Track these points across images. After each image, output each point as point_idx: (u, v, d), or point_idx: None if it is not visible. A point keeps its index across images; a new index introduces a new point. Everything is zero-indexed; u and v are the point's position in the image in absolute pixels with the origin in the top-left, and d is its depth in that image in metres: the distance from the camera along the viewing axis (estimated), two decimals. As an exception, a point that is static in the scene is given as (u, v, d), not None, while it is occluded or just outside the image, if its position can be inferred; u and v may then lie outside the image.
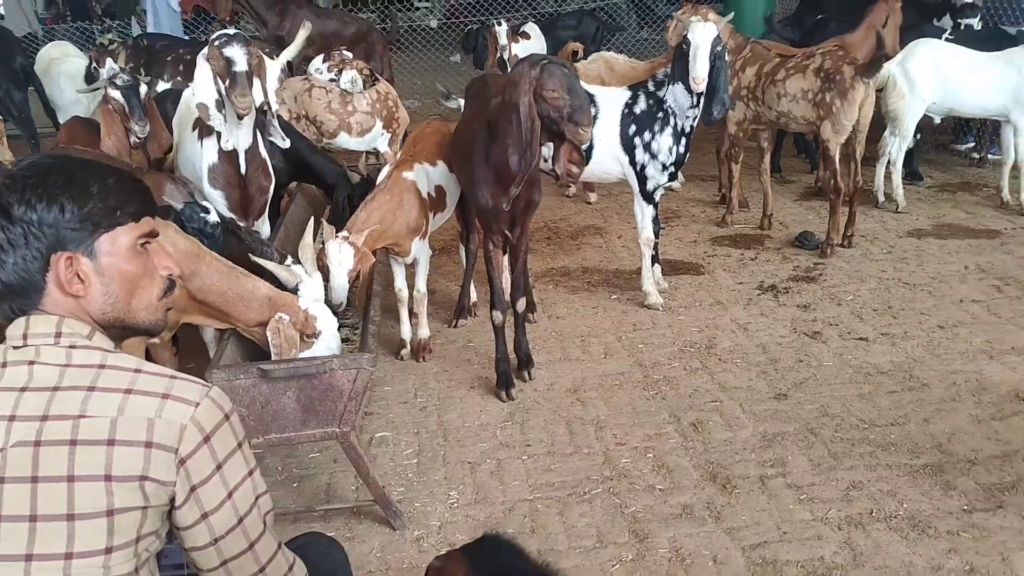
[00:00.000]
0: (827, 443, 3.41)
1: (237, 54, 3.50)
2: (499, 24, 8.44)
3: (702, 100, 4.32)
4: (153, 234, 1.47)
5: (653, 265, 4.80)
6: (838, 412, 3.62)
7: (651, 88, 4.46)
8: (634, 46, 13.19)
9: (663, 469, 3.30)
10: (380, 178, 4.14)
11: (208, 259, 2.92)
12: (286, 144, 4.12)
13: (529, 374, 4.04)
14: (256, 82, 3.62)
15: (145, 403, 1.33)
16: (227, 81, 3.52)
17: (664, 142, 4.42)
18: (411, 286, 4.29)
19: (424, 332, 4.34)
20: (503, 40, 8.18)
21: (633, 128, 4.43)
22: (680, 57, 4.28)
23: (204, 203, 3.42)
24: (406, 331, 4.33)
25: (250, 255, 3.18)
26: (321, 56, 6.45)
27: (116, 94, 4.21)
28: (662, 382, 3.95)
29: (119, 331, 1.46)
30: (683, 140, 4.46)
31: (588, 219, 6.31)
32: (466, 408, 3.85)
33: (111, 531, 1.29)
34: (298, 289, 3.10)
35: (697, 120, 4.45)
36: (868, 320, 4.45)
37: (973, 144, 7.31)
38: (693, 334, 4.42)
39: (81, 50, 7.96)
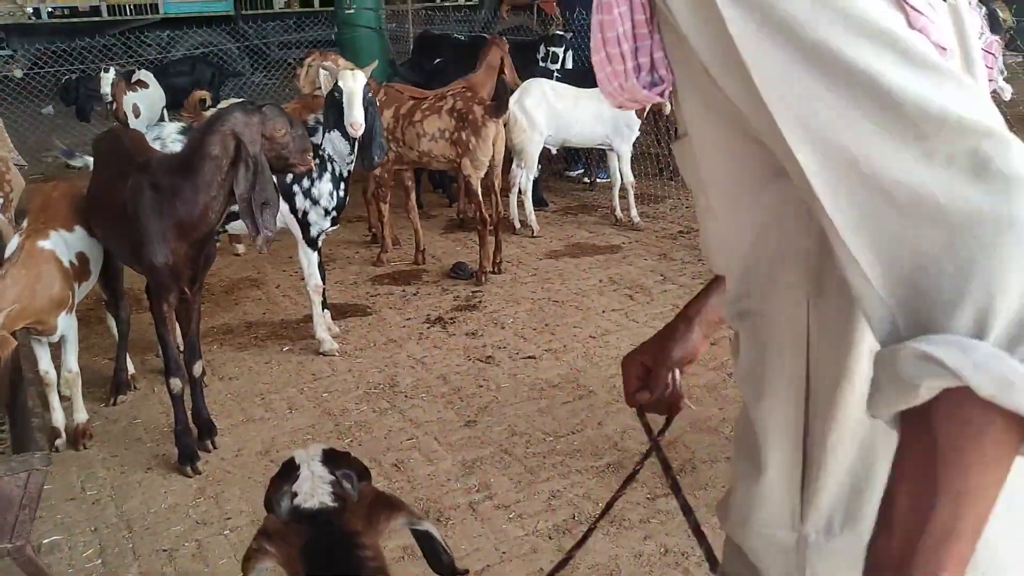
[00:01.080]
0: (522, 460, 3.61)
1: None
2: (106, 71, 7.83)
3: (357, 146, 4.38)
4: None
5: (323, 311, 4.74)
6: (525, 429, 3.85)
7: (301, 135, 4.42)
8: (250, 91, 12.96)
9: (376, 515, 3.27)
10: (9, 250, 3.63)
11: None
12: None
13: (213, 443, 3.78)
14: None
15: None
16: None
17: (324, 188, 4.42)
18: (58, 367, 3.82)
19: (81, 416, 3.88)
20: (105, 88, 7.57)
21: (291, 176, 4.35)
22: (332, 104, 4.30)
23: None
24: (59, 418, 3.83)
25: None
26: None
27: None
28: (355, 428, 3.92)
29: None
30: (342, 184, 4.48)
31: (241, 271, 6.06)
32: (148, 492, 3.50)
33: None
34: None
35: (354, 165, 4.50)
36: (531, 339, 4.79)
37: (583, 171, 8.19)
38: (374, 375, 4.43)
39: None
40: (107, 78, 7.68)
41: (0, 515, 2.46)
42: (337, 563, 1.35)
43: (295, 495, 1.39)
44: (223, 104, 6.39)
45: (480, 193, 5.59)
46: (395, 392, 4.25)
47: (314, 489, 1.39)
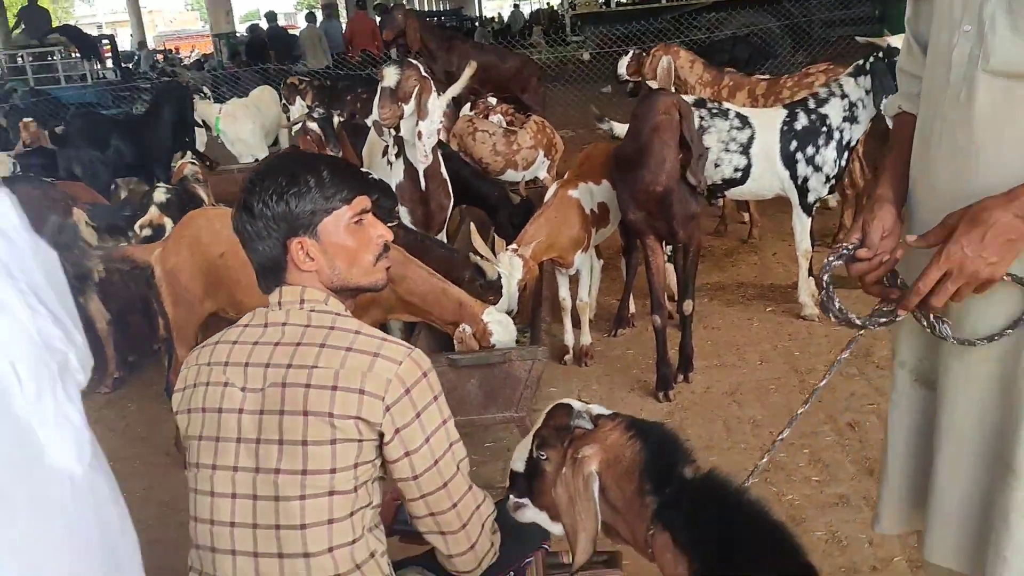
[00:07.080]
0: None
1: (387, 72, 3.93)
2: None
3: None
4: (365, 210, 1.77)
5: (808, 276, 4.92)
6: (999, 416, 3.65)
7: (812, 105, 4.64)
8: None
9: (819, 463, 3.45)
10: (548, 196, 4.49)
11: (412, 267, 3.31)
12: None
13: (687, 377, 4.26)
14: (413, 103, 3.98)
15: (360, 359, 1.63)
16: None
17: (829, 155, 4.60)
18: (574, 296, 4.61)
19: (586, 339, 4.63)
20: (620, 69, 8.19)
21: (794, 144, 4.62)
22: (878, 71, 4.45)
23: None
24: (569, 338, 4.63)
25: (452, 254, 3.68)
26: (468, 104, 6.88)
27: (314, 126, 4.79)
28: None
29: (348, 293, 1.79)
30: (846, 153, 4.64)
31: (743, 237, 6.46)
32: (627, 408, 4.10)
33: (334, 456, 1.61)
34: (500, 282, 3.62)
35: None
36: None
37: None
38: (849, 343, 4.50)
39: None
40: (621, 62, 8.34)
41: (510, 390, 3.21)
42: None
43: None
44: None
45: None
46: (867, 362, 4.28)
47: None
